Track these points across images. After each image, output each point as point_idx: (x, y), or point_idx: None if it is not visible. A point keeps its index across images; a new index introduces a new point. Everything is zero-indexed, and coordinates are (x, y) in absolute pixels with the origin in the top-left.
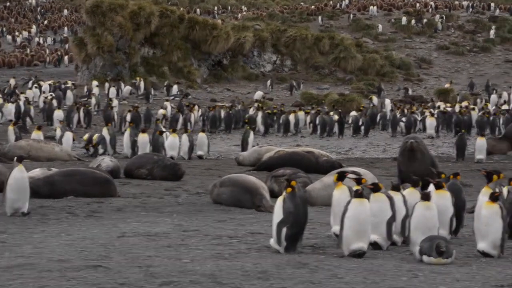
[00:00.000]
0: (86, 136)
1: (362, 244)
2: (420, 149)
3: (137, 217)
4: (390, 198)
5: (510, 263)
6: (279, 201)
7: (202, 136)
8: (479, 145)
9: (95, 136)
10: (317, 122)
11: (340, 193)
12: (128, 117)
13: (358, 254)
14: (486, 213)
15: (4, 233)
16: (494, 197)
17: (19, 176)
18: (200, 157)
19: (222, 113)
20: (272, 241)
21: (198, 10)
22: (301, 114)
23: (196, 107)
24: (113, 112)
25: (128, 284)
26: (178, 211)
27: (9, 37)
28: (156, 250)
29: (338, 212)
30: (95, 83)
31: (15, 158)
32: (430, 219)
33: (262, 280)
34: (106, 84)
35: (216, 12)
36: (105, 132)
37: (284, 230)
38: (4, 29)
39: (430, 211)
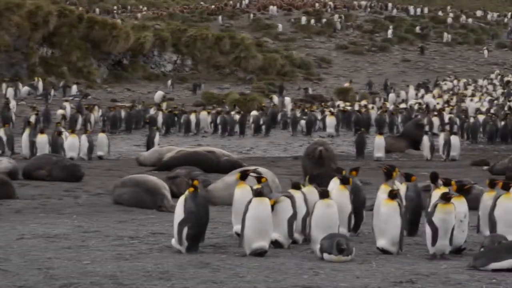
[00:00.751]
0: None
1: (263, 243)
2: (328, 156)
3: (36, 218)
4: (291, 197)
5: (409, 260)
6: (180, 201)
7: (102, 137)
8: (377, 143)
9: None
10: (218, 121)
11: (242, 192)
12: (33, 118)
13: (259, 253)
14: (385, 210)
15: None
16: (392, 195)
17: None
18: (100, 157)
19: (123, 113)
20: (174, 241)
21: (97, 9)
22: (203, 114)
23: (96, 107)
24: (10, 112)
25: (27, 286)
26: (78, 212)
27: None
28: (55, 251)
29: (240, 211)
30: None
31: None
32: (330, 217)
33: (164, 280)
34: (4, 85)
35: (115, 11)
36: (2, 133)
37: (185, 230)
38: None
39: (330, 209)
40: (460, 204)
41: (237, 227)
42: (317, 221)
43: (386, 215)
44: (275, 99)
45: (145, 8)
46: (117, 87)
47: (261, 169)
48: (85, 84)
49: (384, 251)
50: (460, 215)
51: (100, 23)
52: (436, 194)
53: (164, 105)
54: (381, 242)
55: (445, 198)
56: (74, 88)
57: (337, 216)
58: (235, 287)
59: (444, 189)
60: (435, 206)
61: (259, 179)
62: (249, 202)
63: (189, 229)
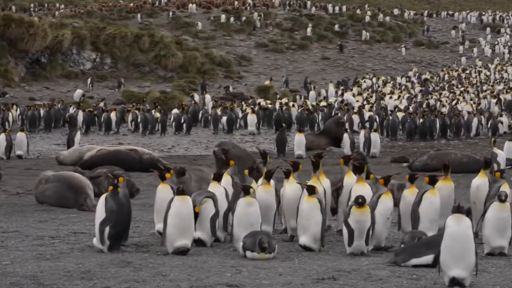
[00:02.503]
0: None
1: (186, 241)
2: (233, 154)
3: None
4: (213, 196)
5: (331, 257)
6: (101, 200)
7: (21, 136)
8: (297, 141)
9: None
10: (139, 120)
11: (163, 191)
12: None
13: (182, 251)
14: (305, 207)
15: None
16: (312, 191)
17: None
18: (19, 156)
19: (42, 112)
20: (95, 241)
21: (13, 7)
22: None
23: (14, 106)
24: None
25: None
26: None
27: None
28: None
29: (162, 209)
30: None
31: None
32: (252, 215)
33: (85, 280)
34: None
35: (32, 9)
36: None
37: (107, 229)
38: None
39: (252, 207)
40: (387, 201)
41: (159, 226)
42: (239, 219)
43: (307, 211)
44: (196, 97)
45: (63, 6)
46: (35, 86)
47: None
48: (2, 83)
49: (306, 248)
50: (387, 212)
51: (16, 21)
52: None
53: (102, 103)
54: (303, 239)
55: (358, 203)
56: None
57: (258, 213)
58: (157, 286)
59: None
60: (350, 208)
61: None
62: (171, 200)
63: (110, 228)
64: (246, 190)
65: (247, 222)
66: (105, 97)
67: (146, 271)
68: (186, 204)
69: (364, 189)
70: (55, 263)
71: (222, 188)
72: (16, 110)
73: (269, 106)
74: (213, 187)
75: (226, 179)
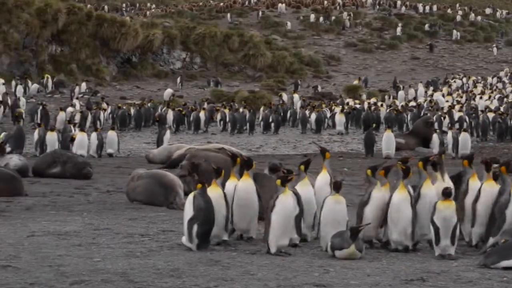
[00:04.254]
0: (2, 135)
1: (287, 240)
2: (203, 170)
3: (47, 216)
4: (296, 194)
5: (419, 258)
6: (190, 198)
7: (112, 134)
8: (386, 139)
9: (2, 135)
10: (227, 119)
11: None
12: (78, 117)
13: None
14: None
15: None
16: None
17: None
18: (110, 155)
19: (132, 111)
20: (184, 239)
21: (106, 7)
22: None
23: (105, 105)
24: (21, 110)
25: (39, 283)
26: (89, 210)
27: None
28: (66, 249)
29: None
30: (1, 81)
31: None
32: (339, 213)
33: (174, 277)
34: (13, 82)
35: (124, 9)
36: (13, 130)
37: (195, 227)
38: None
39: (339, 205)
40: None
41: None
42: (327, 217)
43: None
44: (284, 96)
45: (154, 6)
46: (126, 85)
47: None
48: (94, 82)
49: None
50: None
51: (109, 21)
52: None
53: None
54: (394, 236)
55: (445, 193)
56: (84, 86)
57: (346, 211)
58: (245, 284)
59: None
60: (435, 204)
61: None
62: (276, 198)
63: (198, 226)
64: (336, 187)
65: (334, 220)
66: (194, 96)
67: (234, 269)
68: (289, 201)
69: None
70: (144, 261)
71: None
72: (107, 109)
73: (358, 106)
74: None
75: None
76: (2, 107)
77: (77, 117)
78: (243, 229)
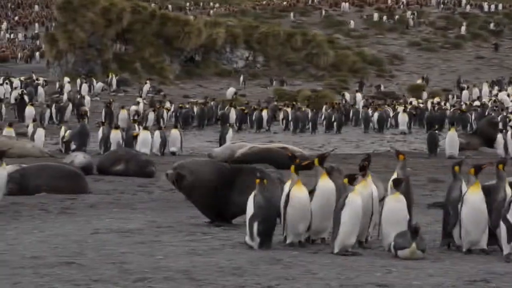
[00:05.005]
0: (67, 133)
1: (354, 241)
2: (187, 183)
3: (110, 213)
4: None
5: (483, 259)
6: (250, 196)
7: (175, 133)
8: (450, 139)
9: (68, 133)
10: (290, 118)
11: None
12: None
13: (353, 253)
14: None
15: None
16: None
17: (2, 172)
18: (173, 153)
19: (195, 110)
20: (247, 238)
21: (169, 6)
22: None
23: (169, 103)
24: (85, 108)
25: (102, 280)
26: (152, 208)
27: None
28: (129, 246)
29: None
30: (66, 79)
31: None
32: (399, 212)
33: (236, 276)
34: (78, 80)
35: (188, 8)
36: (77, 128)
37: (256, 225)
38: None
39: (400, 203)
40: None
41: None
42: (388, 216)
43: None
44: (347, 96)
45: (217, 5)
46: (189, 83)
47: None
48: (158, 80)
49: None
50: None
51: (172, 20)
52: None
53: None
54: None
55: None
56: (147, 85)
57: (406, 210)
58: (307, 283)
59: None
60: (510, 202)
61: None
62: (345, 197)
63: (259, 224)
64: (396, 184)
65: (394, 219)
66: (257, 94)
67: (296, 269)
68: (359, 201)
69: None
70: (207, 259)
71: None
72: (171, 107)
73: (421, 105)
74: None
75: None
76: (70, 105)
77: (151, 116)
78: (319, 231)
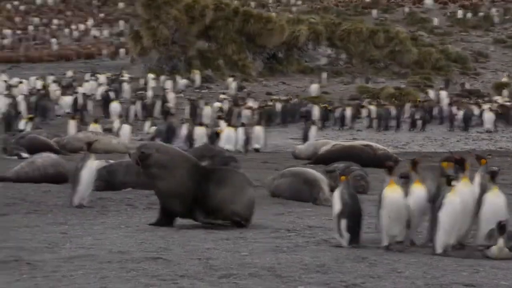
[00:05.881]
0: (152, 129)
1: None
2: (155, 160)
3: None
4: None
5: None
6: (336, 193)
7: (258, 130)
8: None
9: (152, 129)
10: (374, 115)
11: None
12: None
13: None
14: None
15: (65, 224)
16: None
17: (92, 167)
18: (256, 150)
19: (278, 107)
20: (336, 235)
21: (252, 3)
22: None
23: (252, 100)
24: (169, 105)
25: (188, 276)
26: None
27: (66, 30)
28: (214, 242)
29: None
30: (151, 76)
31: (86, 145)
32: (499, 208)
33: (321, 273)
34: (162, 77)
35: (270, 5)
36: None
37: (344, 221)
38: (62, 22)
39: (499, 198)
40: None
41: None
42: (487, 212)
43: None
44: (431, 93)
45: (300, 2)
46: (272, 81)
47: None
48: (241, 77)
49: None
50: None
51: (255, 17)
52: None
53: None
54: None
55: None
56: (230, 81)
57: (505, 207)
58: (393, 282)
59: None
60: None
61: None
62: (443, 197)
63: (347, 220)
64: (493, 176)
65: (494, 215)
66: (340, 92)
67: (381, 267)
68: (457, 201)
69: None
70: (291, 256)
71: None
72: (254, 105)
73: (507, 103)
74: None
75: None
76: (158, 101)
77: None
78: (396, 234)
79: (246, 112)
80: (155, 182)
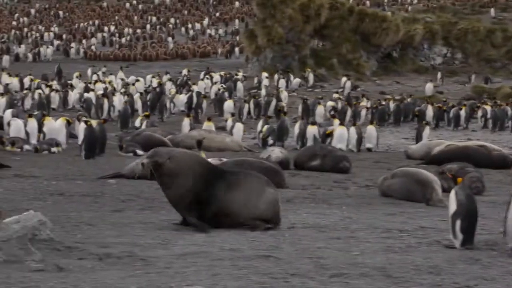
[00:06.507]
0: (265, 128)
1: None
2: (167, 169)
3: (307, 208)
4: None
5: None
6: (452, 193)
7: (371, 129)
8: None
9: (265, 128)
10: (489, 116)
11: None
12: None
13: None
14: None
15: (178, 221)
16: None
17: None
18: (369, 149)
19: (391, 106)
20: (450, 236)
21: (367, 2)
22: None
23: (365, 99)
24: (282, 104)
25: (299, 275)
26: (347, 203)
27: (182, 29)
28: (325, 241)
29: None
30: (265, 74)
31: (196, 143)
32: None
33: (433, 275)
34: (276, 76)
35: (385, 4)
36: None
37: (459, 222)
38: (178, 21)
39: None
40: None
41: None
42: None
43: None
44: None
45: (415, 1)
46: (386, 80)
47: None
48: (354, 77)
49: None
50: None
51: (370, 16)
52: None
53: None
54: None
55: None
56: (344, 80)
57: None
58: (507, 284)
59: None
60: None
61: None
62: None
63: (462, 221)
64: None
65: None
66: (454, 92)
67: (495, 269)
68: None
69: None
70: (403, 256)
71: None
72: (367, 104)
73: None
74: None
75: None
76: (274, 100)
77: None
78: None
79: (359, 111)
80: (164, 191)
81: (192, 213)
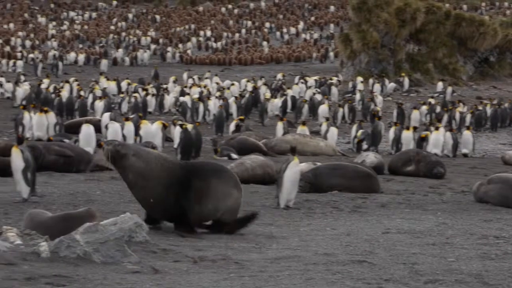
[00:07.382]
0: (359, 132)
1: None
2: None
3: (401, 213)
4: None
5: None
6: None
7: (467, 134)
8: None
9: (359, 132)
10: None
11: None
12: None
13: None
14: None
15: (272, 225)
16: None
17: (296, 169)
18: (465, 155)
19: (488, 111)
20: None
21: (464, 6)
22: None
23: (461, 104)
24: (377, 108)
25: (393, 280)
26: (443, 209)
27: (277, 33)
28: (420, 247)
29: None
30: (359, 79)
31: (290, 149)
32: None
33: None
34: (370, 80)
35: (483, 8)
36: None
37: None
38: (273, 25)
39: None
40: None
41: None
42: None
43: None
44: None
45: None
46: (482, 85)
47: None
48: (450, 81)
49: None
50: None
51: (467, 20)
52: None
53: None
54: None
55: None
56: (440, 85)
57: None
58: None
59: None
60: None
61: None
62: None
63: None
64: None
65: None
66: None
67: None
68: None
69: None
70: (499, 263)
71: None
72: (463, 109)
73: None
74: None
75: None
76: (372, 104)
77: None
78: None
79: (456, 116)
80: (129, 187)
81: (164, 214)
